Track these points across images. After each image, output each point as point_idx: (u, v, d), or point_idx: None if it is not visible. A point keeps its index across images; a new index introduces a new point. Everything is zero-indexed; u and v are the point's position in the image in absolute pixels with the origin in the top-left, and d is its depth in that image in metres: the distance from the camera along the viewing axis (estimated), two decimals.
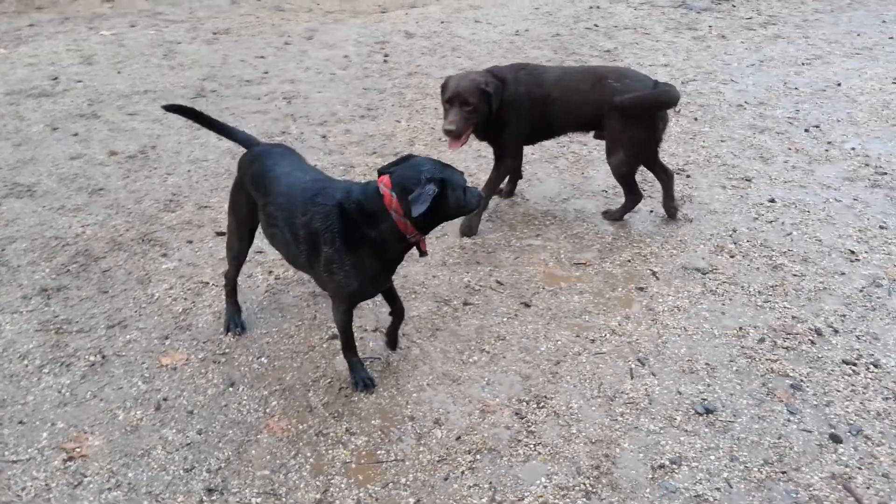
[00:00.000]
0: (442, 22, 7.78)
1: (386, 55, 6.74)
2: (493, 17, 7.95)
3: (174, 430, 2.61)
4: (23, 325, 3.14)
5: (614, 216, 4.02)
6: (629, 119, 3.67)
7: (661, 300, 3.35)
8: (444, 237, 3.84)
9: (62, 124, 5.07)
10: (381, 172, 2.58)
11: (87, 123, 5.11)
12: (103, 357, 2.96)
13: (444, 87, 3.71)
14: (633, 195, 3.95)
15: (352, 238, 2.52)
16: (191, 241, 3.78)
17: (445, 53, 6.81)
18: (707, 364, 2.94)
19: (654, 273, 3.55)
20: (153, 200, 4.15)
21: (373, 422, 2.66)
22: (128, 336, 3.10)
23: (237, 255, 3.04)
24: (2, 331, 3.11)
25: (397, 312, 2.93)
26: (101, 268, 3.56)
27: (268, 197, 2.71)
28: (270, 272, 3.55)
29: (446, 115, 3.65)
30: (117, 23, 7.39)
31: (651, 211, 4.12)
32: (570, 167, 4.66)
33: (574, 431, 2.61)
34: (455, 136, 3.61)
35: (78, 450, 2.51)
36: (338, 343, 3.05)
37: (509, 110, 3.73)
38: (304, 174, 2.74)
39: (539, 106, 3.77)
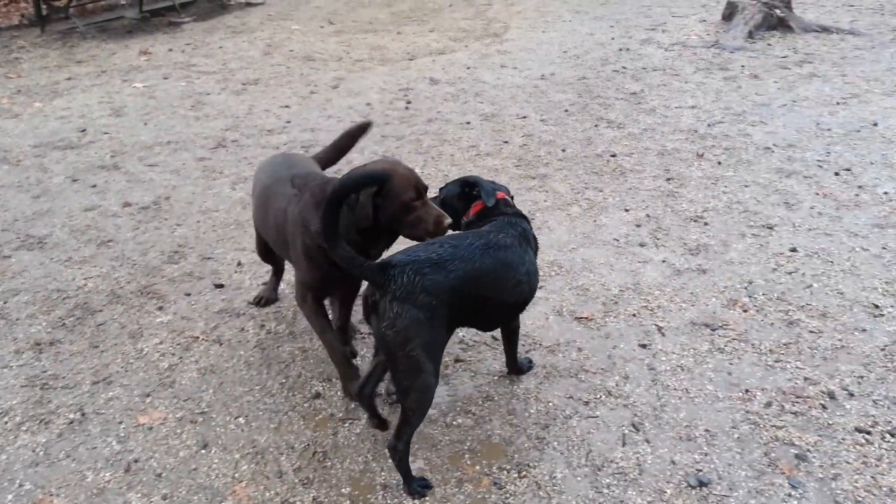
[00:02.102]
0: (468, 68, 7.79)
1: (408, 102, 6.75)
2: (519, 62, 7.92)
3: (139, 495, 2.54)
4: (10, 380, 3.15)
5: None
6: None
7: (664, 358, 3.15)
8: None
9: (83, 176, 5.20)
10: None
11: (107, 175, 5.23)
12: (83, 414, 2.93)
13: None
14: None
15: None
16: (189, 294, 3.77)
17: (468, 99, 6.78)
18: (707, 430, 2.72)
19: (659, 329, 3.35)
20: (158, 252, 4.18)
21: (343, 490, 2.54)
22: (111, 393, 3.07)
23: None
24: None
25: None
26: (97, 321, 3.57)
27: None
28: (262, 326, 3.50)
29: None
30: (151, 75, 7.65)
31: (664, 261, 3.92)
32: (582, 214, 4.51)
33: None
34: None
35: None
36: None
37: None
38: None
39: None
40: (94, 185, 5.05)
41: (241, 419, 2.89)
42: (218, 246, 4.23)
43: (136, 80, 7.49)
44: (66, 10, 9.46)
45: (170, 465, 2.67)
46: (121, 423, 2.89)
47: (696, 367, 3.08)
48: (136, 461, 2.70)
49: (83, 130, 6.05)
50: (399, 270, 2.32)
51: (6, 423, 2.89)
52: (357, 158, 5.45)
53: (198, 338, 3.41)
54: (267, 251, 3.44)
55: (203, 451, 2.73)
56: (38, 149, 5.67)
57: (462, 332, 3.38)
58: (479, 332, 3.36)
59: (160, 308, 3.65)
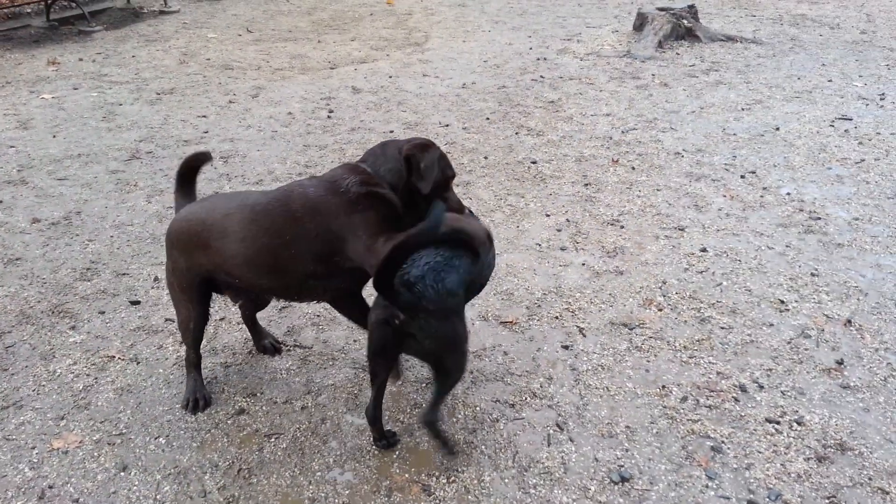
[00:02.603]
0: (390, 77, 7.82)
1: (331, 111, 6.72)
2: (441, 72, 8.01)
3: None
4: None
5: None
6: None
7: (585, 359, 3.25)
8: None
9: None
10: None
11: (14, 190, 4.98)
12: None
13: None
14: None
15: None
16: (103, 312, 3.63)
17: (391, 108, 6.80)
18: (627, 427, 2.82)
19: (580, 330, 3.46)
20: (70, 269, 4.00)
21: None
22: (22, 417, 2.92)
23: None
24: None
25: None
26: (5, 343, 3.39)
27: None
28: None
29: None
30: (60, 85, 7.32)
31: (583, 263, 4.05)
32: (506, 220, 4.59)
33: None
34: None
35: None
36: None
37: None
38: None
39: None
40: (0, 201, 4.79)
41: (161, 439, 2.81)
42: (133, 261, 4.09)
43: (45, 91, 7.15)
44: None
45: (87, 490, 2.57)
46: (34, 448, 2.75)
47: (616, 366, 3.19)
48: (50, 487, 2.58)
49: None
50: (422, 286, 2.34)
51: None
52: (279, 168, 5.39)
53: (114, 357, 3.29)
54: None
55: (122, 474, 2.64)
56: None
57: None
58: None
59: (73, 327, 3.50)
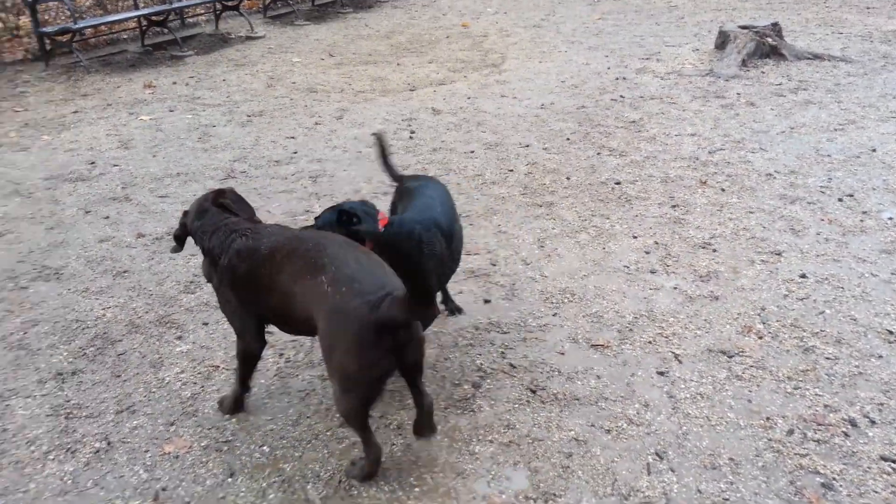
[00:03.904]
0: (468, 98, 7.91)
1: (412, 132, 6.85)
2: (519, 92, 8.05)
3: None
4: (35, 409, 3.16)
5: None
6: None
7: (682, 386, 3.18)
8: (458, 316, 3.77)
9: (95, 207, 5.24)
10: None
11: (119, 206, 5.27)
12: (109, 443, 2.94)
13: None
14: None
15: None
16: (206, 323, 3.79)
17: (471, 129, 6.88)
18: (731, 459, 2.75)
19: (676, 356, 3.40)
20: (174, 282, 4.20)
21: None
22: (135, 422, 3.08)
23: None
24: (14, 415, 3.13)
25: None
26: (117, 351, 3.58)
27: None
28: (281, 354, 3.52)
29: None
30: (157, 107, 7.72)
31: (675, 287, 3.98)
32: (591, 241, 4.57)
33: None
34: None
35: None
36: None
37: None
38: None
39: None
40: (107, 217, 5.09)
41: (265, 447, 2.90)
42: None
43: (142, 112, 7.56)
44: (69, 45, 9.56)
45: (197, 494, 2.68)
46: (147, 451, 2.89)
47: (716, 395, 3.12)
48: (164, 489, 2.70)
49: (92, 163, 6.10)
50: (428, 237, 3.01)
51: (33, 451, 2.90)
52: (365, 188, 5.52)
53: (218, 367, 3.43)
54: None
55: (230, 480, 2.74)
56: (49, 181, 5.71)
57: (479, 360, 3.41)
58: (497, 360, 3.40)
59: (179, 337, 3.67)
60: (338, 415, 2.86)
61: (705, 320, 3.66)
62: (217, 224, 2.87)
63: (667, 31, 10.97)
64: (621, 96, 7.72)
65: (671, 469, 2.72)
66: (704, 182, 5.38)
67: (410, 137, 6.70)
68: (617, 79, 8.41)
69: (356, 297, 2.40)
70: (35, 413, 3.14)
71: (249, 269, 2.71)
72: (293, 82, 8.80)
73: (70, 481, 2.76)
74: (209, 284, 3.13)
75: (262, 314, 2.83)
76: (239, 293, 2.80)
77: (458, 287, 4.06)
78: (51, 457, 2.88)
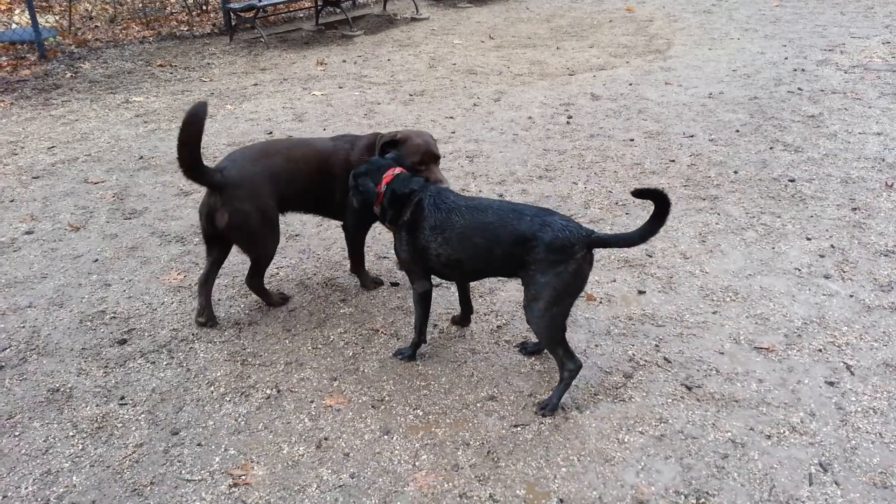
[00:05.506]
0: (630, 84, 7.70)
1: (570, 117, 6.78)
2: (684, 80, 7.72)
3: (330, 471, 2.75)
4: (215, 353, 3.50)
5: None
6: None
7: (854, 399, 2.97)
8: (611, 304, 3.73)
9: None
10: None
11: None
12: (278, 391, 3.21)
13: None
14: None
15: None
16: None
17: (631, 116, 6.71)
18: None
19: (848, 367, 3.17)
20: (340, 248, 4.47)
21: (517, 491, 2.61)
22: (302, 374, 3.33)
23: None
24: (197, 357, 3.48)
25: None
26: (289, 307, 3.88)
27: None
28: (435, 325, 3.65)
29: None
30: (327, 84, 8.18)
31: (851, 295, 3.70)
32: (759, 240, 4.33)
33: None
34: None
35: (243, 477, 2.72)
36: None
37: None
38: None
39: None
40: None
41: (419, 411, 3.05)
42: (391, 246, 4.46)
43: (315, 88, 8.04)
44: (252, 21, 10.33)
45: (356, 447, 2.86)
46: (312, 402, 3.13)
47: (892, 412, 2.88)
48: (325, 439, 2.91)
49: (270, 133, 6.59)
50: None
51: (212, 392, 3.22)
52: (520, 171, 5.56)
53: (377, 330, 3.63)
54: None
55: (385, 437, 2.91)
56: (232, 147, 6.23)
57: (631, 351, 3.36)
58: (650, 353, 3.34)
59: (343, 300, 3.92)
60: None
61: (884, 332, 3.38)
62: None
63: (853, 21, 10.05)
64: (799, 89, 7.19)
65: (836, 482, 2.56)
66: (891, 185, 4.92)
67: (567, 122, 6.65)
68: (795, 70, 7.84)
69: None
70: (215, 357, 3.48)
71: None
72: (453, 63, 8.98)
73: (243, 422, 3.03)
74: (370, 253, 3.32)
75: None
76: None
77: (612, 275, 4.01)
78: (227, 398, 3.19)
